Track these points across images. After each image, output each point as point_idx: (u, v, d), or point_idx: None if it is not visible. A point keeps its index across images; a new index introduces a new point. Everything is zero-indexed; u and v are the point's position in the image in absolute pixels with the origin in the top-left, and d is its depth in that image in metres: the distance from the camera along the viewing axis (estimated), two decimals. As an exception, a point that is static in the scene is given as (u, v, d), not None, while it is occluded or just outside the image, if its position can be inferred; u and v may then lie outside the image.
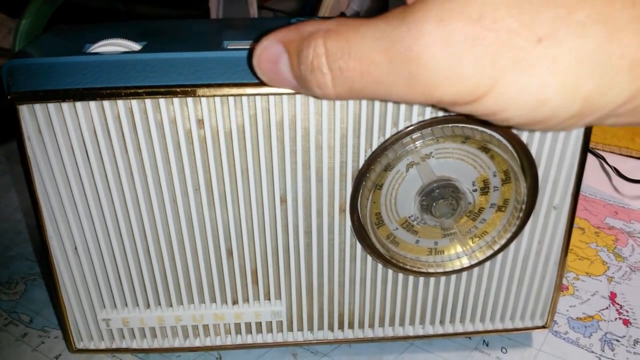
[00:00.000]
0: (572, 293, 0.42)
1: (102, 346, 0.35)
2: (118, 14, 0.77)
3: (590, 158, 0.62)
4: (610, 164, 0.59)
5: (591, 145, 0.64)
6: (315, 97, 0.21)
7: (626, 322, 0.40)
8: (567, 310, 0.41)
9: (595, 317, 0.40)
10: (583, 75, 0.17)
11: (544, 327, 0.37)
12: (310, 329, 0.36)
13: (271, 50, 0.22)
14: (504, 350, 0.37)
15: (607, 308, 0.41)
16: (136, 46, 0.29)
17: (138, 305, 0.34)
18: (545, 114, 0.18)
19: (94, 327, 0.35)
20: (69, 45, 0.30)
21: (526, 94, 0.17)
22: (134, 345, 0.36)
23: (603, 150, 0.64)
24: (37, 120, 0.27)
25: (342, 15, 0.92)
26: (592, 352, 0.37)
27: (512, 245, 0.33)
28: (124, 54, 0.28)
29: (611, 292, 0.42)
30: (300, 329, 0.36)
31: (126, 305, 0.34)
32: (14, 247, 0.48)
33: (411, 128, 0.29)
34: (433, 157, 0.30)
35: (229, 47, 0.29)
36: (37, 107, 0.27)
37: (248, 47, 0.28)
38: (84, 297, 0.33)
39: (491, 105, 0.18)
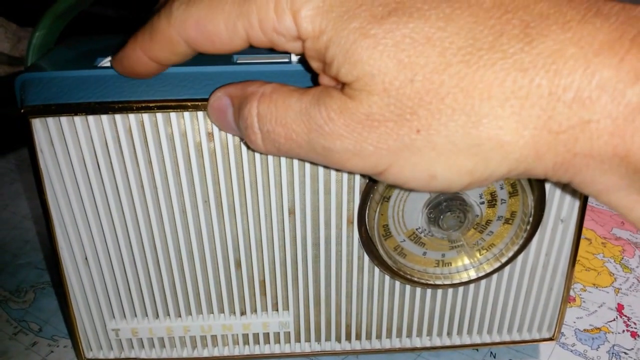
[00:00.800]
0: (579, 305, 0.42)
1: (111, 356, 0.36)
2: (126, 22, 0.78)
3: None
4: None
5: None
6: (253, 146, 0.24)
7: (634, 335, 0.39)
8: (575, 322, 0.41)
9: (603, 329, 0.40)
10: (461, 156, 0.20)
11: (551, 339, 0.37)
12: (318, 340, 0.36)
13: (221, 102, 0.26)
14: (511, 362, 0.37)
15: (614, 320, 0.41)
16: (147, 60, 0.29)
17: (147, 316, 0.34)
18: (440, 186, 0.21)
19: (104, 337, 0.35)
20: (81, 58, 0.30)
21: (418, 172, 0.21)
22: (143, 355, 0.36)
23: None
24: (49, 133, 0.28)
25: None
26: (600, 364, 0.37)
27: (520, 258, 0.33)
28: (135, 68, 0.28)
29: (618, 304, 0.42)
30: (308, 340, 0.36)
31: (135, 315, 0.34)
32: (23, 256, 0.49)
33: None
34: (441, 170, 0.30)
35: (239, 61, 0.29)
36: (50, 120, 0.27)
37: (258, 61, 0.29)
38: (94, 307, 0.34)
39: (393, 179, 0.22)
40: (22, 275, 0.46)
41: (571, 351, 0.38)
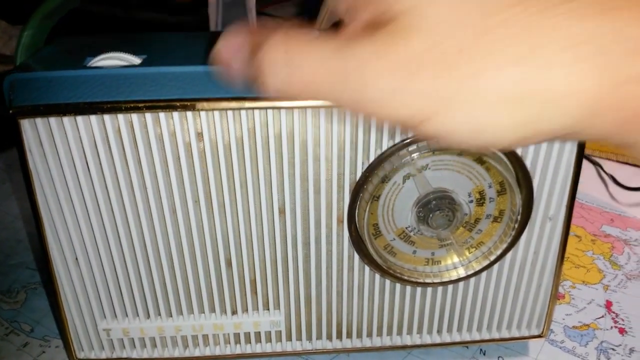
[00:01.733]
0: (568, 301, 0.43)
1: (103, 356, 0.36)
2: (118, 20, 0.78)
3: (586, 165, 0.63)
4: (607, 171, 0.60)
5: (588, 152, 0.65)
6: (266, 91, 0.21)
7: (622, 331, 0.40)
8: (564, 319, 0.41)
9: (592, 326, 0.40)
10: (513, 107, 0.18)
11: (540, 336, 0.37)
12: (309, 338, 0.36)
13: (235, 40, 0.23)
14: (500, 359, 0.38)
15: (603, 316, 0.41)
16: (136, 60, 0.29)
17: (138, 316, 0.34)
18: (485, 140, 0.19)
19: (95, 337, 0.35)
20: (70, 58, 0.30)
21: (464, 123, 0.19)
22: (135, 355, 0.36)
23: (600, 157, 0.64)
24: (38, 133, 0.28)
25: (342, 20, 0.93)
26: (588, 360, 0.37)
27: (508, 256, 0.34)
28: (124, 68, 0.28)
29: (607, 301, 0.43)
30: (299, 338, 0.36)
31: (126, 315, 0.34)
32: (15, 256, 0.49)
33: (408, 141, 0.29)
34: (429, 168, 0.31)
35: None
36: (39, 121, 0.27)
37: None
38: (85, 307, 0.34)
39: (434, 129, 0.19)
40: (14, 275, 0.46)
41: (560, 348, 0.39)
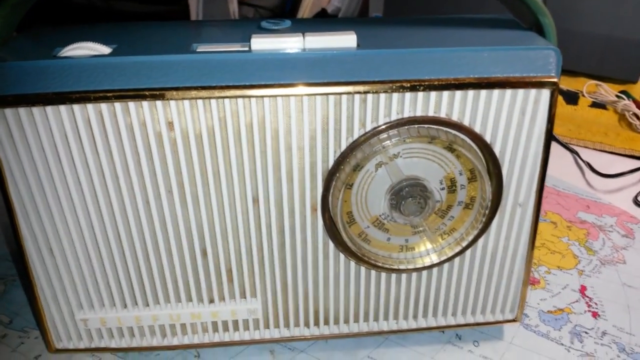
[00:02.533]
0: (543, 287, 0.44)
1: (81, 346, 0.36)
2: (97, 10, 0.77)
3: (564, 153, 0.64)
4: (584, 158, 0.61)
5: (565, 140, 0.66)
6: None
7: (595, 315, 0.41)
8: (538, 304, 0.42)
9: (566, 310, 0.41)
10: None
11: (514, 320, 0.38)
12: (287, 325, 0.37)
13: None
14: (475, 344, 0.38)
15: (577, 301, 0.42)
16: (106, 49, 0.29)
17: (115, 306, 0.35)
18: None
19: (73, 328, 0.35)
20: (40, 48, 0.30)
21: None
22: (113, 345, 0.36)
23: (577, 145, 0.65)
24: (7, 124, 0.28)
25: (324, 11, 0.92)
26: (562, 344, 0.38)
27: (480, 242, 0.34)
28: (93, 58, 0.28)
29: (581, 286, 0.44)
30: (277, 326, 0.37)
31: (103, 305, 0.35)
32: (-6, 249, 0.49)
33: (379, 129, 0.29)
34: (401, 156, 0.31)
35: (198, 50, 0.29)
36: (8, 111, 0.27)
37: (217, 50, 0.29)
38: (61, 298, 0.34)
39: None
40: (-8, 268, 0.46)
41: (534, 332, 0.39)
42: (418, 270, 0.34)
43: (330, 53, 0.28)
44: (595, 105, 0.69)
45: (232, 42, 0.30)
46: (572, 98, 0.70)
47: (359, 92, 0.28)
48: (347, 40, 0.29)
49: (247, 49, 0.29)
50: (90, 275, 0.33)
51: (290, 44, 0.29)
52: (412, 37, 0.32)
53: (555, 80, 0.29)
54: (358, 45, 0.29)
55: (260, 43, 0.29)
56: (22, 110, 0.27)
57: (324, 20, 0.49)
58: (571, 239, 0.49)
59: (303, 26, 0.31)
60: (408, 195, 0.31)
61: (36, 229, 0.31)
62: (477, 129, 0.30)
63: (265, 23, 0.32)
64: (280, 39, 0.29)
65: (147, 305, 0.35)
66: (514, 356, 0.37)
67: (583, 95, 0.69)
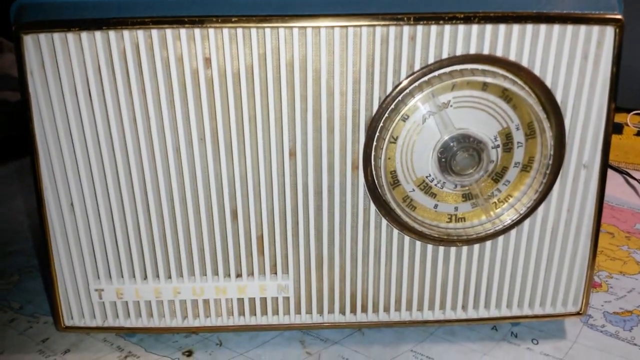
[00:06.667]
0: (605, 290, 0.39)
1: (93, 324, 0.33)
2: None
3: (615, 175, 0.60)
4: (636, 177, 0.57)
5: (615, 164, 0.63)
6: None
7: (670, 317, 0.36)
8: (602, 305, 0.37)
9: (635, 312, 0.36)
10: None
11: (578, 313, 0.33)
12: (320, 311, 0.33)
13: None
14: (534, 342, 0.34)
15: (646, 304, 0.37)
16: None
17: (134, 277, 0.32)
18: None
19: (86, 301, 0.32)
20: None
21: None
22: (127, 324, 0.33)
23: (626, 168, 0.62)
24: (41, 53, 0.27)
25: None
26: (635, 344, 0.33)
27: (540, 213, 0.31)
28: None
29: (650, 290, 0.39)
30: (309, 311, 0.33)
31: (122, 276, 0.32)
32: (13, 244, 0.47)
33: (428, 69, 0.27)
34: (451, 106, 0.28)
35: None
36: (42, 37, 0.26)
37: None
38: (77, 262, 0.31)
39: None
40: (10, 260, 0.44)
41: (601, 332, 0.34)
42: (470, 242, 0.31)
43: (378, -13, 0.27)
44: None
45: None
46: (617, 129, 0.69)
47: (408, 24, 0.26)
48: (394, -22, 0.28)
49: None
50: (111, 237, 0.31)
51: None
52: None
53: (619, 17, 0.27)
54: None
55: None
56: (57, 37, 0.26)
57: None
58: (631, 248, 0.44)
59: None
60: (459, 148, 0.28)
61: (58, 176, 0.29)
62: (537, 71, 0.28)
63: None
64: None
65: (169, 277, 0.32)
66: (580, 355, 0.32)
67: (627, 125, 0.69)
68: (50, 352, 0.33)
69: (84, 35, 0.26)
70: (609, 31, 0.27)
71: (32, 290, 0.40)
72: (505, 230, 0.30)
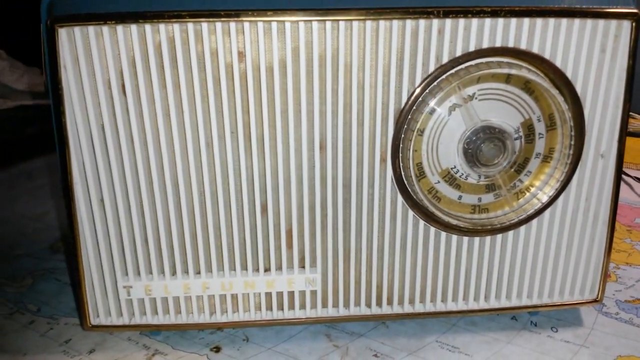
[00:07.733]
0: (615, 280, 0.40)
1: (120, 322, 0.32)
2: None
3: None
4: (631, 175, 0.59)
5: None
6: None
7: (679, 304, 0.37)
8: (614, 294, 0.38)
9: (646, 300, 0.38)
10: None
11: (595, 301, 0.34)
12: (346, 304, 0.33)
13: None
14: (554, 330, 0.35)
15: (655, 292, 0.39)
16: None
17: (163, 272, 0.32)
18: None
19: (113, 299, 0.32)
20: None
21: None
22: (155, 322, 0.33)
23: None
24: (75, 46, 0.27)
25: None
26: (650, 329, 0.34)
27: (560, 201, 0.32)
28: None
29: (657, 279, 0.40)
30: (336, 304, 0.33)
31: (150, 272, 0.32)
32: (19, 247, 0.46)
33: (456, 61, 0.28)
34: (476, 98, 0.29)
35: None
36: (77, 30, 0.26)
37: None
38: (105, 258, 0.31)
39: None
40: (18, 263, 0.43)
41: (616, 319, 0.35)
42: (494, 231, 0.32)
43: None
44: (631, 134, 0.71)
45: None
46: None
47: (438, 17, 0.27)
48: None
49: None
50: (141, 233, 0.31)
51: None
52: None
53: (636, 11, 0.28)
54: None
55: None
56: (92, 30, 0.26)
57: None
58: (634, 240, 0.46)
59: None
60: (485, 138, 0.29)
61: (88, 169, 0.29)
62: (558, 63, 0.29)
63: None
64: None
65: (199, 272, 0.32)
66: (599, 340, 0.33)
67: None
68: (75, 352, 0.33)
69: (120, 28, 0.26)
70: (626, 25, 0.28)
71: (47, 292, 0.39)
72: (528, 219, 0.31)
